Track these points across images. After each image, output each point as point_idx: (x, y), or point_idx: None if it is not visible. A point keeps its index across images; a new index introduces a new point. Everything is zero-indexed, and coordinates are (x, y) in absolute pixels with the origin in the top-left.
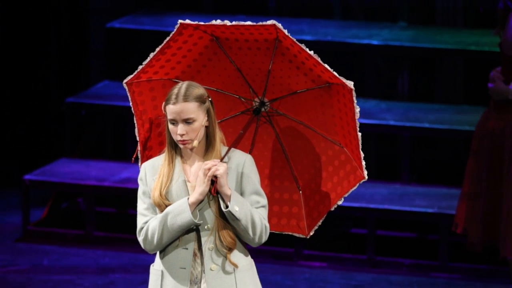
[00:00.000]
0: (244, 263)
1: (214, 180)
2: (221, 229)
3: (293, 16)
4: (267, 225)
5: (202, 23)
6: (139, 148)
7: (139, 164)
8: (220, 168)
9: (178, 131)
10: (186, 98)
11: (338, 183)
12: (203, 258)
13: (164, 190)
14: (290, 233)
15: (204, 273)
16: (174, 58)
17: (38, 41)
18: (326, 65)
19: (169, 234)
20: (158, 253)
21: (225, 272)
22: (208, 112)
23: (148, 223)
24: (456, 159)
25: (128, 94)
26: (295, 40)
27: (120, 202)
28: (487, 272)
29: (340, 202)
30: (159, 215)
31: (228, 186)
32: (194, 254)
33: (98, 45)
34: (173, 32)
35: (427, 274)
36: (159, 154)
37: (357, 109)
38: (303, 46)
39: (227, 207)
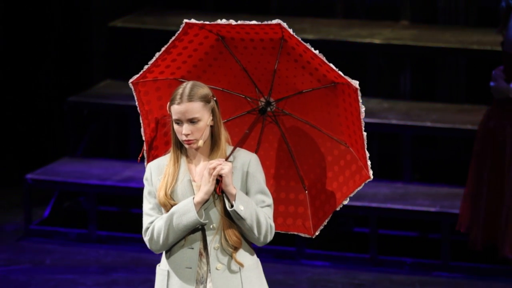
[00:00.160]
0: (250, 262)
1: (219, 180)
2: (227, 229)
3: (295, 15)
4: (272, 224)
5: (207, 22)
6: (145, 147)
7: (145, 163)
8: (225, 167)
9: (183, 131)
10: (190, 98)
11: (344, 183)
12: (208, 258)
13: (169, 190)
14: (295, 233)
15: (210, 272)
16: (180, 58)
17: (41, 40)
18: (331, 65)
19: (175, 234)
20: (164, 253)
21: (231, 271)
22: (213, 112)
23: (154, 223)
24: (458, 158)
25: (134, 94)
26: (300, 39)
27: (123, 201)
28: (489, 271)
29: (345, 202)
30: (165, 215)
31: (233, 185)
32: (200, 254)
33: (100, 44)
34: (178, 32)
35: (429, 273)
36: (165, 154)
37: (363, 109)
38: (308, 45)
39: (232, 206)
